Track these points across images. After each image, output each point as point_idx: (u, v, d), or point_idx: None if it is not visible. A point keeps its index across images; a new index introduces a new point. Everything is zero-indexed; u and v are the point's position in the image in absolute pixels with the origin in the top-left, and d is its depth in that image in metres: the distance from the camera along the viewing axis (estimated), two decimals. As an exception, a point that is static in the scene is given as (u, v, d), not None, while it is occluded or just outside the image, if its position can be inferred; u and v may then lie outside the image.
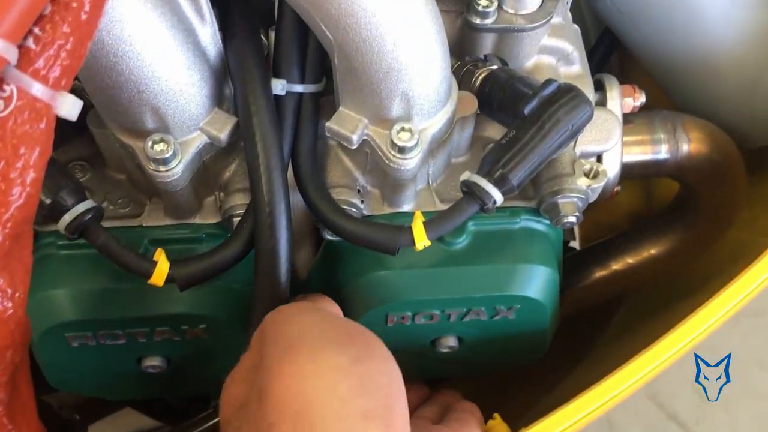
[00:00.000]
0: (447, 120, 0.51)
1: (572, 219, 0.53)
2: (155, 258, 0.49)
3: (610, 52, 0.78)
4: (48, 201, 0.47)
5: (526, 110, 0.48)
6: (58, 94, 0.36)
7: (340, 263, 0.56)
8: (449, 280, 0.54)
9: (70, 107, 0.36)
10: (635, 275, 0.74)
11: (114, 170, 0.56)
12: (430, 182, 0.56)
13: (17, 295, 0.38)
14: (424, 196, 0.56)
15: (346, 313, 0.55)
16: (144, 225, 0.54)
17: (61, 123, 0.37)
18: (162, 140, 0.47)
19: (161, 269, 0.48)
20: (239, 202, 0.52)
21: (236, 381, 0.42)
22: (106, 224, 0.51)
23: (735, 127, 0.66)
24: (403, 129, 0.48)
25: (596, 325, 0.82)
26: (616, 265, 0.75)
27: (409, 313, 0.55)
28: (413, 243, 0.49)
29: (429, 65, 0.46)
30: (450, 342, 0.59)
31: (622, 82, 0.60)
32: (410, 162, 0.49)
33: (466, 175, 0.49)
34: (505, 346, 0.60)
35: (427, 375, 0.68)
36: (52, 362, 0.56)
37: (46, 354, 0.55)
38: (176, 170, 0.48)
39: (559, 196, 0.53)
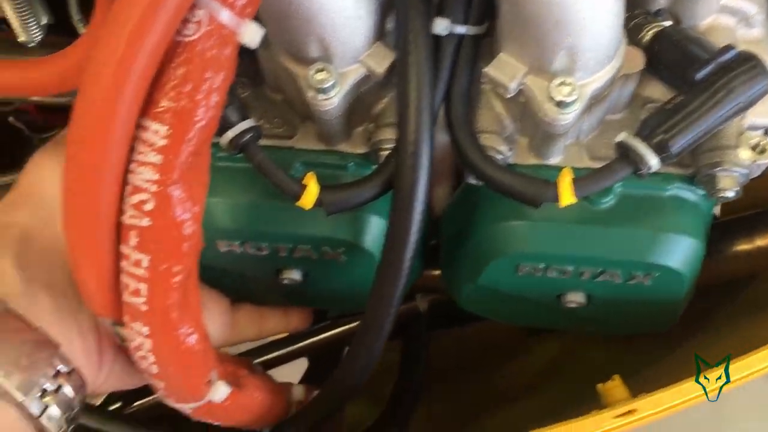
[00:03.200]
0: (611, 76, 0.49)
1: (730, 194, 0.50)
2: (305, 182, 0.51)
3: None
4: (214, 116, 0.50)
5: (698, 75, 0.46)
6: (243, 21, 0.38)
7: (478, 207, 0.56)
8: (589, 240, 0.53)
9: (252, 35, 0.38)
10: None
11: (272, 90, 0.58)
12: (581, 137, 0.55)
13: (196, 208, 0.41)
14: (572, 151, 0.55)
15: (478, 256, 0.56)
16: (296, 147, 0.56)
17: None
18: (324, 69, 0.49)
19: (311, 193, 0.51)
20: (388, 136, 0.53)
21: None
22: (261, 142, 0.54)
23: None
24: (563, 83, 0.47)
25: (714, 299, 0.79)
26: (762, 242, 0.71)
27: (542, 266, 0.55)
28: (558, 200, 0.48)
29: (602, 20, 0.44)
30: (577, 298, 0.59)
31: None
32: (566, 117, 0.48)
33: (622, 136, 0.48)
34: (635, 311, 0.59)
35: (548, 325, 0.68)
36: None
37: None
38: (334, 100, 0.49)
39: (719, 168, 0.50)
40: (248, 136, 0.50)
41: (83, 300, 0.45)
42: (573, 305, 0.59)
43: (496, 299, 0.62)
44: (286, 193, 0.51)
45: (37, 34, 0.52)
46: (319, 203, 0.51)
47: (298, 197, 0.51)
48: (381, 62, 0.50)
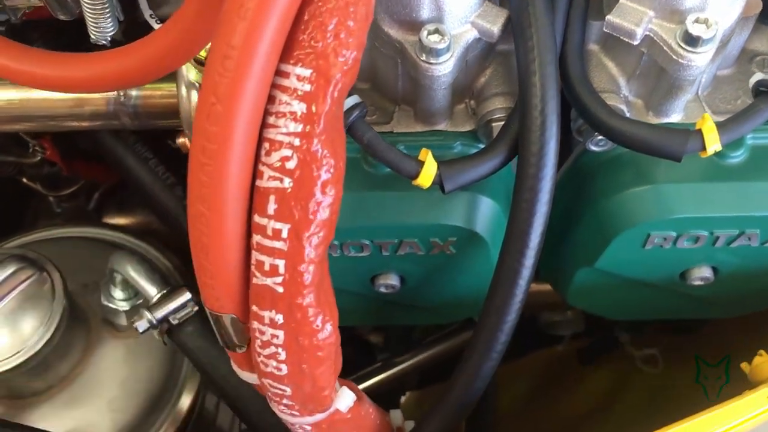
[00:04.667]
0: (737, 16, 0.46)
1: None
2: (421, 158, 0.46)
3: None
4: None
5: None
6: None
7: (595, 177, 0.52)
8: (726, 197, 0.49)
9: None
10: None
11: (358, 81, 0.54)
12: (700, 92, 0.52)
13: (340, 165, 0.36)
14: (692, 108, 0.51)
15: (599, 231, 0.52)
16: (395, 131, 0.52)
17: None
18: (437, 31, 0.45)
19: (429, 169, 0.46)
20: (498, 105, 0.49)
21: None
22: (357, 130, 0.49)
23: None
24: (698, 20, 0.44)
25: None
26: None
27: (674, 234, 0.51)
28: (703, 147, 0.44)
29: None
30: (704, 273, 0.54)
31: None
32: (702, 58, 0.44)
33: (758, 76, 0.45)
34: (764, 281, 0.55)
35: (659, 316, 0.63)
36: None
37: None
38: (447, 64, 0.46)
39: None
40: (355, 114, 0.46)
41: (205, 297, 0.39)
42: (698, 283, 0.55)
43: (608, 288, 0.57)
44: (401, 172, 0.46)
45: (111, 31, 0.48)
46: (438, 179, 0.46)
47: (415, 175, 0.46)
48: (494, 21, 0.46)
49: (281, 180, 0.35)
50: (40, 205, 0.95)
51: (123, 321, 0.72)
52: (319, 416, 0.44)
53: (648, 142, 0.46)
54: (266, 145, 0.35)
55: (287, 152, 0.35)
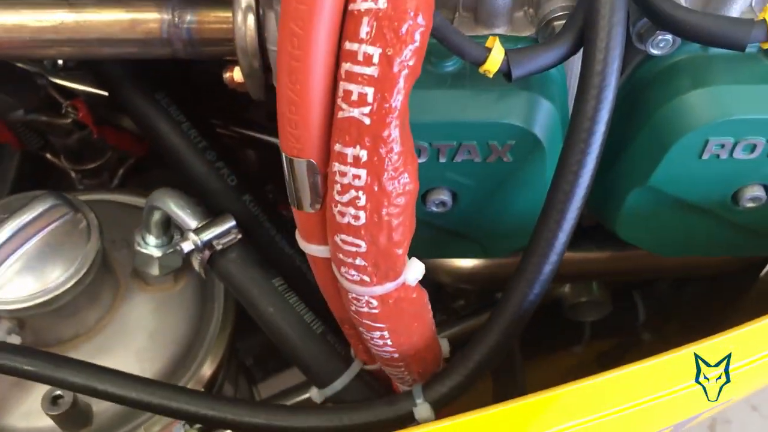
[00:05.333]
0: None
1: None
2: (488, 44, 0.47)
3: None
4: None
5: None
6: None
7: (651, 87, 0.52)
8: (783, 99, 0.50)
9: None
10: None
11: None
12: None
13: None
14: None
15: (656, 141, 0.52)
16: (457, 34, 0.52)
17: None
18: None
19: (496, 54, 0.47)
20: (560, 4, 0.50)
21: None
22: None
23: None
24: None
25: None
26: None
27: (731, 140, 0.51)
28: (767, 37, 0.45)
29: None
30: (756, 192, 0.54)
31: None
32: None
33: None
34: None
35: (715, 251, 0.63)
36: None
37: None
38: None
39: None
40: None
41: (284, 140, 0.39)
42: (750, 205, 0.55)
43: (659, 215, 0.57)
44: (468, 57, 0.47)
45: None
46: (505, 65, 0.47)
47: (483, 60, 0.46)
48: None
49: (376, 1, 0.35)
50: (61, 182, 0.95)
51: (154, 270, 0.70)
52: (388, 286, 0.43)
53: (712, 32, 0.46)
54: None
55: (383, -27, 0.35)
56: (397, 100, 0.37)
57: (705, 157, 0.52)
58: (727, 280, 0.87)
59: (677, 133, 0.51)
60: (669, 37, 0.50)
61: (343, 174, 0.38)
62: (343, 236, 0.40)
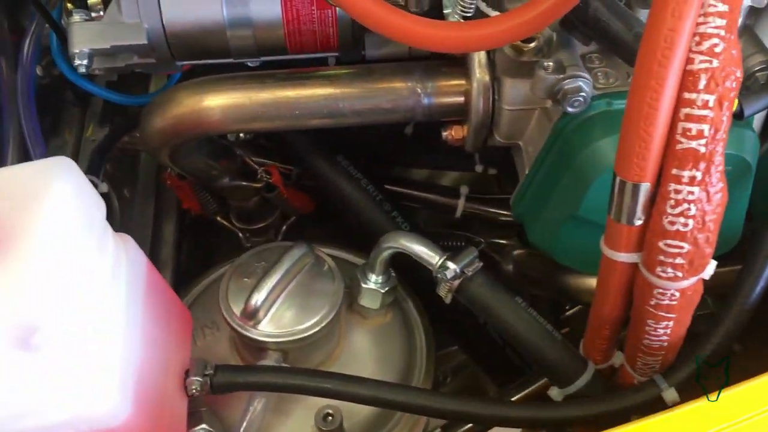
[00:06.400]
0: None
1: None
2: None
3: None
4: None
5: None
6: None
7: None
8: None
9: None
10: None
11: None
12: None
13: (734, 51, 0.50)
14: None
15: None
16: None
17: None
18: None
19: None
20: (759, 59, 0.65)
21: None
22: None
23: None
24: None
25: None
26: None
27: None
28: None
29: None
30: None
31: None
32: None
33: None
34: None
35: None
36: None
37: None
38: None
39: None
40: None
41: (628, 168, 0.51)
42: None
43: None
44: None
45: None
46: (738, 108, 0.60)
47: (721, 104, 0.60)
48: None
49: (710, 61, 0.49)
50: (228, 242, 1.04)
51: (376, 304, 0.81)
52: (693, 279, 0.55)
53: None
54: (696, 38, 0.49)
55: (715, 41, 0.49)
56: (725, 131, 0.50)
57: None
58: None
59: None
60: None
61: (678, 191, 0.51)
62: (669, 241, 0.52)
